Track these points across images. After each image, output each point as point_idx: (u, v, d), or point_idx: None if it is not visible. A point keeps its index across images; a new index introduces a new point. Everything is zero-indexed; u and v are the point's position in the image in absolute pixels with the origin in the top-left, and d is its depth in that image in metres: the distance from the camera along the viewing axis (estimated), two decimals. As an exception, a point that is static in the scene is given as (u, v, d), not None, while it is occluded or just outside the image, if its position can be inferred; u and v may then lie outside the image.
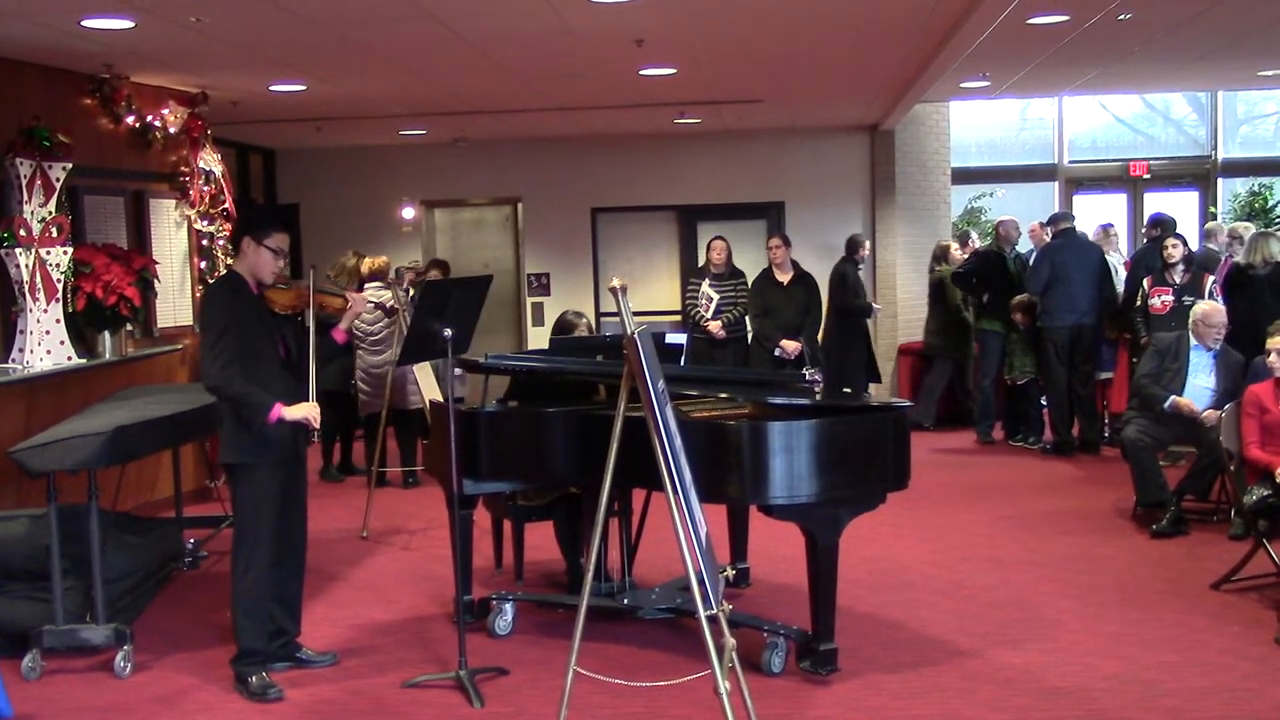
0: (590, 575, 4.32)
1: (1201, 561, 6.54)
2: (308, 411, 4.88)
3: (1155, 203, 14.17)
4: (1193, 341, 7.57)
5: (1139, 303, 9.13)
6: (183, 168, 8.89)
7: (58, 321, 7.14)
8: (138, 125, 8.37)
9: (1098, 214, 13.93)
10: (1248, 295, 8.89)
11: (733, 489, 4.88)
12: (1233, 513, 7.12)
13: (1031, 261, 10.31)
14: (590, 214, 13.04)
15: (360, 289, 8.73)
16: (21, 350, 7.04)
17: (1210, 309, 7.65)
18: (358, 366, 9.03)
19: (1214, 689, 4.75)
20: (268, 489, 4.92)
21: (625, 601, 5.64)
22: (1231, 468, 6.52)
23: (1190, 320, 7.66)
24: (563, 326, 6.57)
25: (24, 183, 7.02)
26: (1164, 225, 9.85)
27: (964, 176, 14.24)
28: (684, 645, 5.38)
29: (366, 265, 9.19)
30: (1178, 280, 8.86)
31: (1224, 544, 6.86)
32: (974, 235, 13.08)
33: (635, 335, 4.01)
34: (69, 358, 7.19)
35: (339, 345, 5.24)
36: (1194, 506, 7.44)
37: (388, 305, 8.53)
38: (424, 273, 10.41)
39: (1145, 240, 10.39)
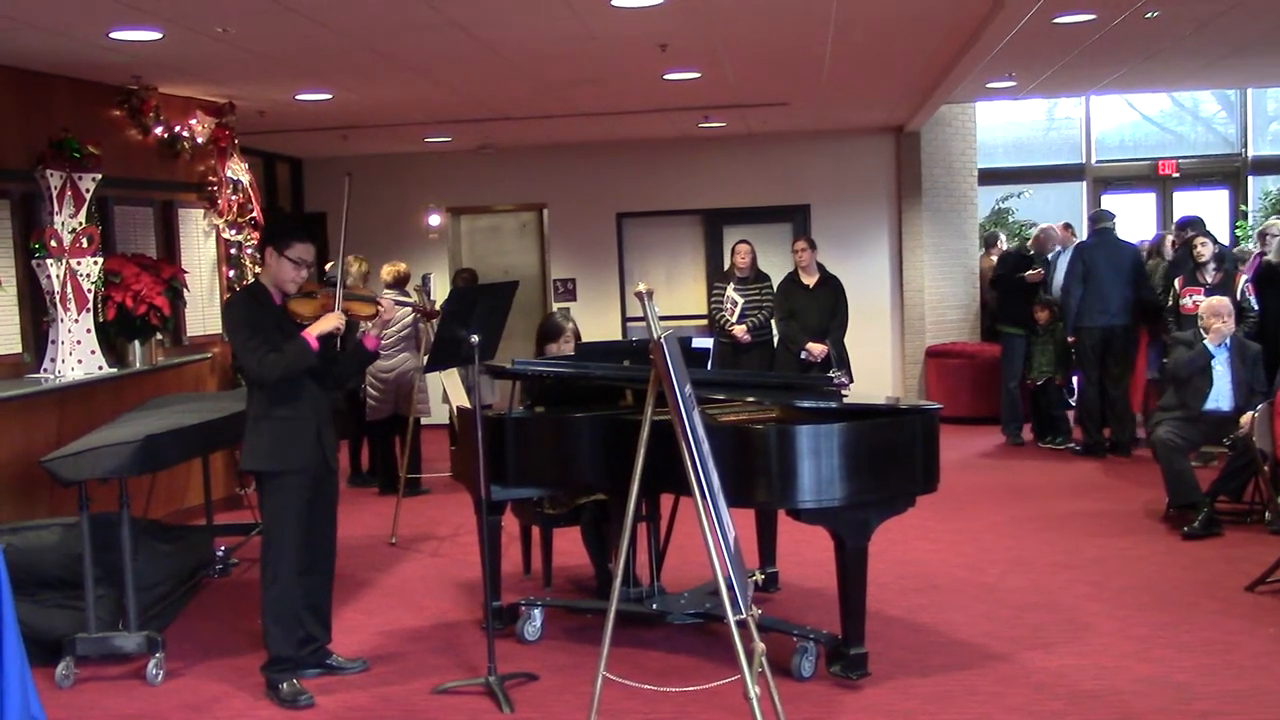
0: (619, 580, 4.32)
1: (1235, 563, 6.47)
2: (333, 321, 4.96)
3: (1185, 202, 14.06)
4: (1209, 342, 7.53)
5: (1171, 303, 9.06)
6: (211, 177, 8.95)
7: (88, 331, 7.19)
8: (166, 136, 8.42)
9: (1127, 213, 13.84)
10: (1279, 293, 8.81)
11: (761, 493, 4.87)
12: (1266, 514, 7.05)
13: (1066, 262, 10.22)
14: (616, 219, 13.06)
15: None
16: (53, 360, 7.09)
17: (1212, 304, 7.67)
18: (367, 371, 8.99)
19: (1248, 692, 4.70)
20: (294, 497, 4.95)
21: (654, 606, 5.63)
22: (1265, 468, 6.46)
23: (1199, 321, 7.68)
24: (550, 331, 6.41)
25: (54, 194, 7.09)
26: (1192, 225, 9.76)
27: (991, 177, 14.15)
28: (713, 650, 5.37)
29: (388, 271, 9.17)
30: (1209, 280, 8.79)
31: (1258, 546, 6.79)
32: (1002, 237, 13.03)
33: (662, 340, 4.01)
34: (100, 367, 7.24)
35: (370, 351, 5.19)
36: (1228, 508, 7.36)
37: (417, 305, 8.58)
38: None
39: (1174, 246, 10.26)
